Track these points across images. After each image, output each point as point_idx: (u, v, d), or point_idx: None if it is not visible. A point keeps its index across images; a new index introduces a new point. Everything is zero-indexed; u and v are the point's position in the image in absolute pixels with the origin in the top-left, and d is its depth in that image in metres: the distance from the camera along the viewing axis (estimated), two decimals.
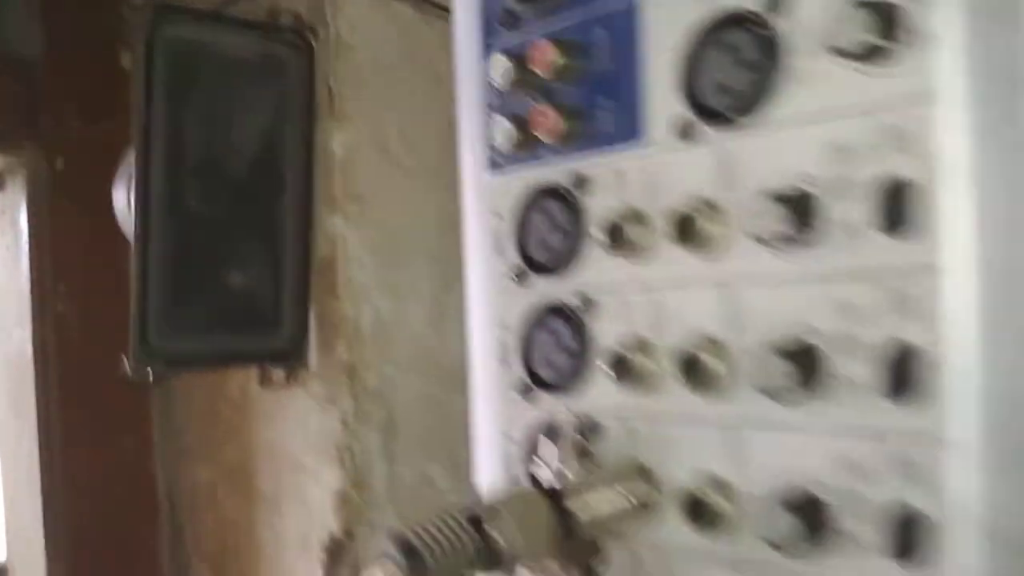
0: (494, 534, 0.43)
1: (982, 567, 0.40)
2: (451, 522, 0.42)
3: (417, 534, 0.41)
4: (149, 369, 0.93)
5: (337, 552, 1.00)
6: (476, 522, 0.43)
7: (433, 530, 0.41)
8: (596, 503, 0.48)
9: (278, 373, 1.05)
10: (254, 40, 0.99)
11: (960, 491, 0.40)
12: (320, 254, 1.02)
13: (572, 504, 0.47)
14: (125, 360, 0.91)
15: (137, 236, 0.92)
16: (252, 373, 1.09)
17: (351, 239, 1.01)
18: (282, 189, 1.02)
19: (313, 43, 1.00)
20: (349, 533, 0.99)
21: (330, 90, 1.01)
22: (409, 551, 0.40)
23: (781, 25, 0.45)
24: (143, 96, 0.91)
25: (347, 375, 1.00)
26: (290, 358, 1.03)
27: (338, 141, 1.01)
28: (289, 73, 1.02)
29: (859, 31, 0.41)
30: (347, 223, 1.01)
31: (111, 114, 1.18)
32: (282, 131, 1.03)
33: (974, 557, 0.40)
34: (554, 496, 0.46)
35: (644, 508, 0.51)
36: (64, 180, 1.21)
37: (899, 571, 0.42)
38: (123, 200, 1.00)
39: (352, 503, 0.98)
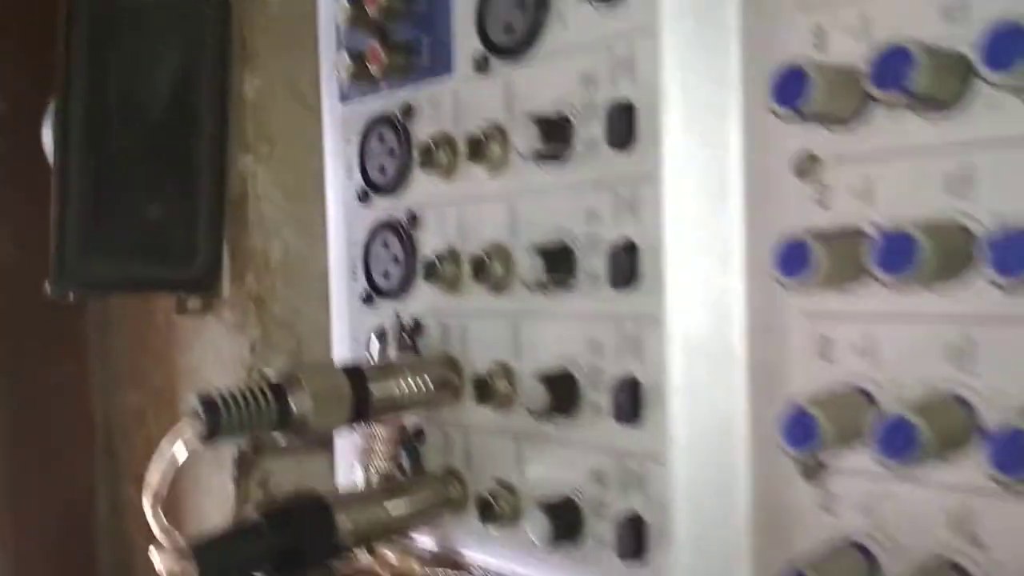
0: (292, 402, 0.51)
1: (680, 427, 0.48)
2: (256, 387, 0.50)
3: (221, 394, 0.49)
4: (70, 293, 1.01)
5: (245, 467, 1.08)
6: (279, 389, 0.51)
7: (237, 392, 0.49)
8: (392, 386, 0.56)
9: (194, 301, 1.13)
10: None
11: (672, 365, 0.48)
12: (233, 191, 1.09)
13: (371, 385, 0.55)
14: (47, 283, 0.99)
15: (56, 170, 0.99)
16: (173, 302, 1.17)
17: (262, 177, 1.08)
18: (198, 129, 1.09)
19: None
20: (257, 450, 1.07)
21: (243, 36, 1.08)
22: (210, 407, 0.48)
23: None
24: (64, 38, 0.98)
25: (256, 304, 1.07)
26: (204, 288, 1.10)
27: (250, 85, 1.08)
28: (204, 18, 1.08)
29: None
30: (258, 162, 1.08)
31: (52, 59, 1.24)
32: (198, 74, 1.09)
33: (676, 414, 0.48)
34: (355, 375, 0.54)
35: (448, 393, 0.59)
36: (5, 123, 1.28)
37: (627, 431, 0.50)
38: (48, 138, 1.07)
39: None
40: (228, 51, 1.09)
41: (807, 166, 0.44)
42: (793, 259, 0.40)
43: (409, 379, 0.57)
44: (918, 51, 0.36)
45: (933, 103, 0.39)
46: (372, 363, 0.61)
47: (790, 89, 0.40)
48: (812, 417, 0.39)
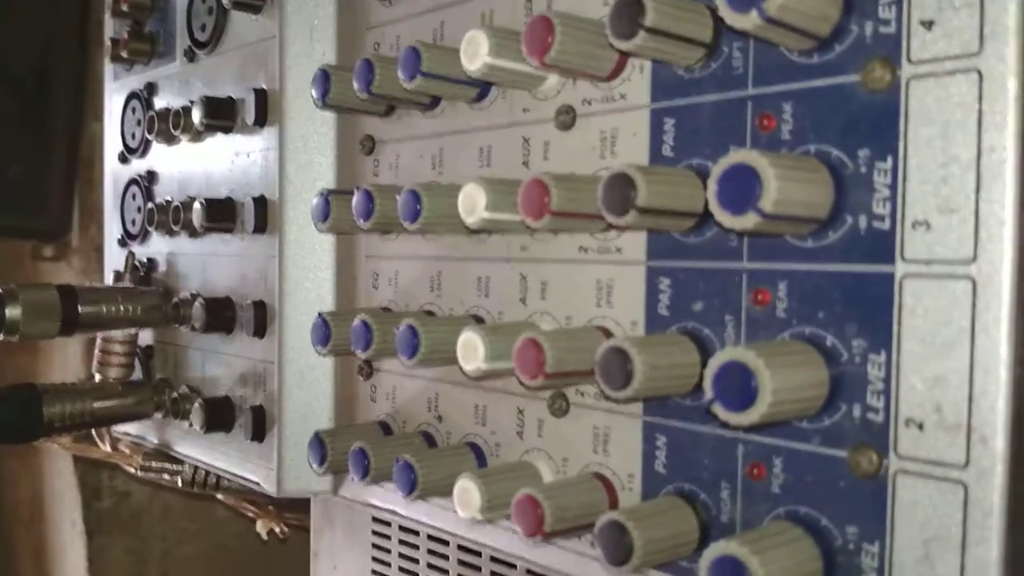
0: (6, 310, 0.65)
1: (289, 339, 0.63)
2: None
3: None
4: None
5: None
6: (1, 300, 0.65)
7: None
8: (101, 308, 0.70)
9: (48, 249, 1.27)
10: None
11: (286, 296, 0.63)
12: (83, 153, 1.23)
13: (82, 305, 0.69)
14: None
15: None
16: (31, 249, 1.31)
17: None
18: (55, 98, 1.23)
19: None
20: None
21: (100, 19, 1.21)
22: None
23: None
24: None
25: (97, 252, 1.22)
26: (56, 237, 1.25)
27: (102, 61, 1.21)
28: (62, 49, 1.23)
29: None
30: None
31: None
32: (57, 45, 1.23)
33: (287, 329, 0.63)
34: (68, 295, 0.69)
35: (159, 316, 0.74)
36: None
37: (258, 343, 0.65)
38: None
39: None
40: (85, 27, 1.23)
41: (368, 145, 0.60)
42: (362, 210, 0.53)
43: (120, 304, 0.71)
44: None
45: (423, 105, 0.54)
46: (88, 286, 0.75)
47: (360, 78, 0.53)
48: (366, 326, 0.53)
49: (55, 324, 0.68)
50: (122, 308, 0.72)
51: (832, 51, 0.36)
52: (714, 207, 0.34)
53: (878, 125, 0.34)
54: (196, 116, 0.67)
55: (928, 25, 0.33)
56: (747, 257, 0.39)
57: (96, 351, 0.77)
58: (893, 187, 0.34)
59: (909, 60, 0.34)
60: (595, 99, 0.45)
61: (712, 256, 0.40)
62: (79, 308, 0.69)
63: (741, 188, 0.33)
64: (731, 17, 0.33)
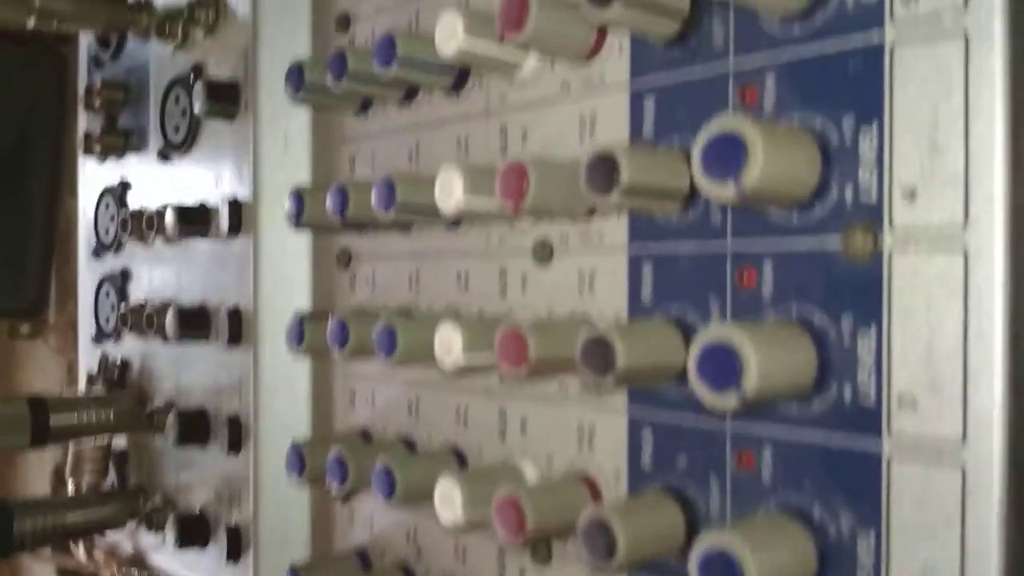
0: None
1: (266, 457, 0.61)
2: None
3: None
4: None
5: (59, 475, 1.20)
6: None
7: None
8: (73, 417, 0.68)
9: (24, 327, 1.25)
10: (11, 48, 1.18)
11: (262, 411, 0.61)
12: (60, 229, 1.21)
13: (53, 414, 0.67)
14: None
15: None
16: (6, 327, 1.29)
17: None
18: (33, 176, 1.22)
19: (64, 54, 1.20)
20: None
21: (76, 94, 1.20)
22: None
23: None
24: None
25: (74, 330, 1.20)
26: (32, 315, 1.23)
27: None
28: (42, 79, 1.21)
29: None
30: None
31: None
32: (37, 121, 1.22)
33: (263, 448, 0.61)
34: (38, 406, 0.67)
35: (136, 422, 0.72)
36: None
37: (233, 459, 0.63)
38: None
39: None
40: (64, 105, 1.22)
41: (344, 259, 0.58)
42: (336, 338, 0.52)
43: (93, 412, 0.69)
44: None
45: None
46: (59, 396, 0.73)
47: (334, 203, 0.52)
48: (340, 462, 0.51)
49: (25, 438, 0.66)
50: (95, 417, 0.70)
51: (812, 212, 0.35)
52: (693, 378, 0.32)
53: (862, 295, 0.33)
54: (169, 221, 0.65)
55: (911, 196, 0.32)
56: (730, 423, 0.37)
57: (69, 457, 0.75)
58: (879, 360, 0.33)
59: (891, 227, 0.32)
60: (572, 236, 0.44)
61: (696, 409, 0.38)
62: (50, 420, 0.67)
63: (723, 366, 0.32)
64: (708, 188, 0.32)
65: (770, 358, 0.32)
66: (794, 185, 0.34)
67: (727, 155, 0.32)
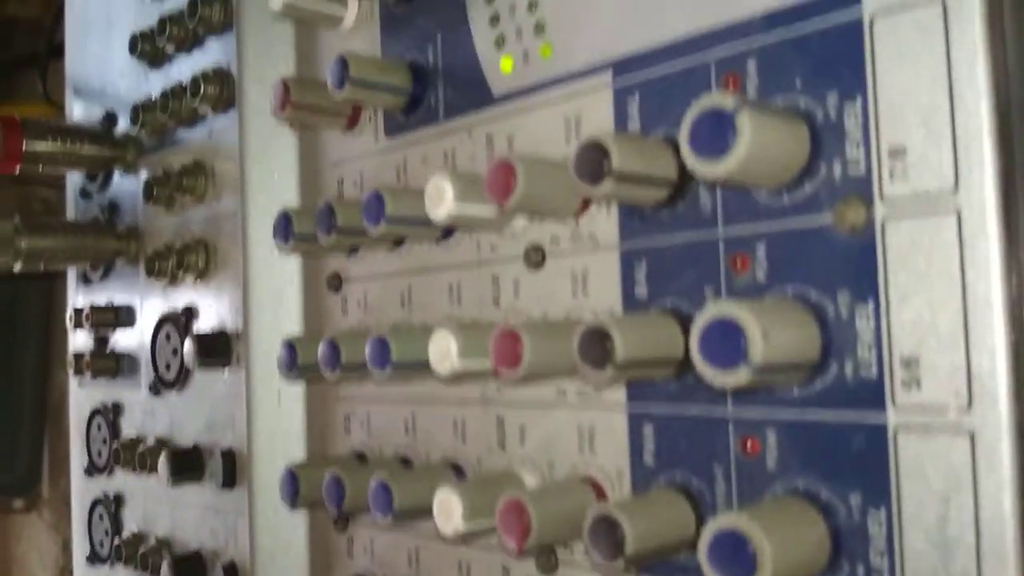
0: None
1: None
2: None
3: None
4: None
5: None
6: None
7: None
8: None
9: (18, 501, 1.24)
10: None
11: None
12: (51, 406, 1.20)
13: None
14: None
15: None
16: None
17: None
18: (23, 350, 1.23)
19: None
20: None
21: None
22: None
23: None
24: None
25: (68, 506, 1.18)
26: (25, 491, 1.23)
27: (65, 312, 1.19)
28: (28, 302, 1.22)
29: None
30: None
31: None
32: (24, 302, 1.23)
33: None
34: None
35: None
36: None
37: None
38: None
39: None
40: (53, 280, 1.21)
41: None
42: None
43: None
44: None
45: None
46: None
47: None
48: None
49: None
50: None
51: None
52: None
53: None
54: (163, 469, 0.65)
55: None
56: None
57: None
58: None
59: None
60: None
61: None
62: None
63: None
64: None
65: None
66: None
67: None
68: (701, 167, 0.32)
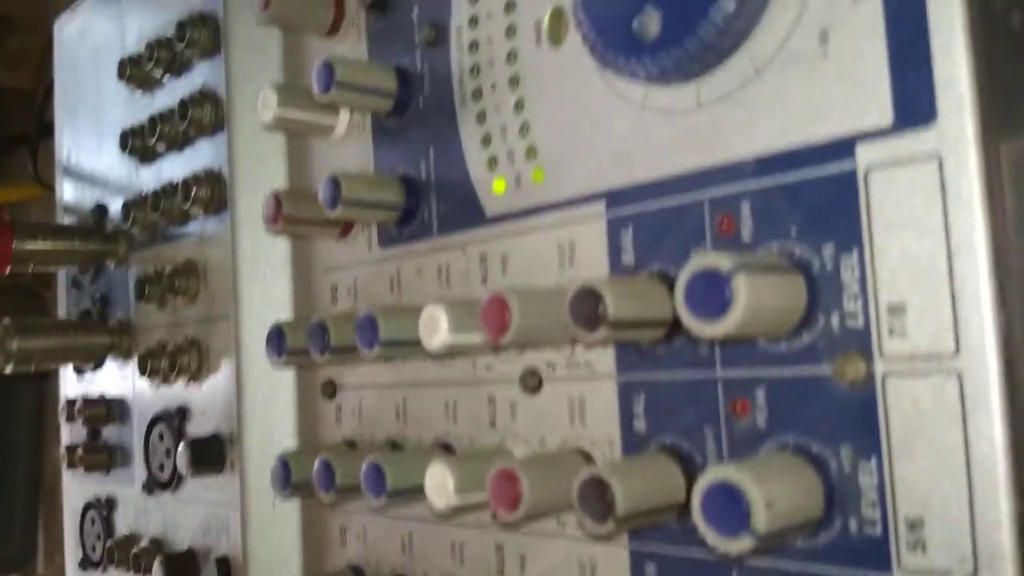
0: None
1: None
2: None
3: None
4: None
5: None
6: None
7: None
8: None
9: None
10: None
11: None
12: (46, 481, 1.20)
13: None
14: None
15: None
16: None
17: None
18: (15, 427, 1.22)
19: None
20: None
21: None
22: None
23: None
24: None
25: None
26: (20, 567, 1.21)
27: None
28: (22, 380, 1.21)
29: None
30: None
31: None
32: (16, 379, 1.21)
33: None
34: None
35: None
36: None
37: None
38: None
39: None
40: (43, 388, 1.21)
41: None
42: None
43: None
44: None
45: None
46: None
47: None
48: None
49: None
50: None
51: None
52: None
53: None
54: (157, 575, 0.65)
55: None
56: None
57: None
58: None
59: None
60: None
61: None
62: None
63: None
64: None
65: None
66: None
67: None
68: (698, 327, 0.32)
